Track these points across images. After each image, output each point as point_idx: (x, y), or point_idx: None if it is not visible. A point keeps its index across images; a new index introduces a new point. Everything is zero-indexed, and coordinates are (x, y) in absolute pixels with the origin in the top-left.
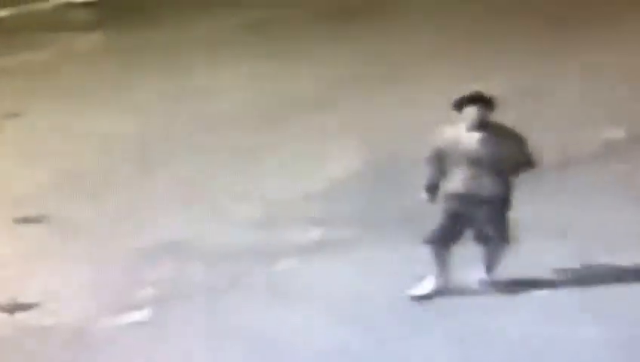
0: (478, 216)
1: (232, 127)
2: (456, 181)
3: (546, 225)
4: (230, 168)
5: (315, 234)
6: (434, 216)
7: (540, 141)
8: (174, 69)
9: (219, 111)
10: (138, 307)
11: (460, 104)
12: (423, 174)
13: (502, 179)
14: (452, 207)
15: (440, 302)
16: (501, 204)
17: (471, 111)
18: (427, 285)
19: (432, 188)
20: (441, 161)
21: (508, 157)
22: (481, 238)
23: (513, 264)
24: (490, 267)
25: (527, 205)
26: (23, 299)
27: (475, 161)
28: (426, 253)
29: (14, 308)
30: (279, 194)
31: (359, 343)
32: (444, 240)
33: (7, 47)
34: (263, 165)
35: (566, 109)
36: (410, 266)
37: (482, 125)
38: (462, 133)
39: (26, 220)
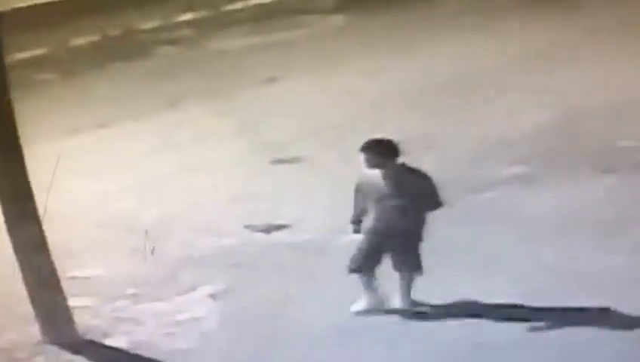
0: (392, 247)
1: (457, 86)
2: (371, 214)
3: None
4: (453, 115)
5: (517, 169)
6: (618, 159)
7: None
8: (399, 44)
9: (440, 77)
10: None
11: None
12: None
13: (409, 215)
14: (368, 237)
15: None
16: (411, 237)
17: (362, 156)
18: (360, 304)
19: (356, 223)
20: (363, 196)
21: (414, 196)
22: (397, 267)
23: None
24: (403, 295)
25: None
26: (277, 222)
27: (382, 198)
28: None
29: (270, 228)
30: (490, 137)
31: (552, 256)
32: (364, 266)
33: (267, 27)
34: (473, 115)
35: None
36: (587, 192)
37: (379, 168)
38: (374, 173)
39: (280, 161)
